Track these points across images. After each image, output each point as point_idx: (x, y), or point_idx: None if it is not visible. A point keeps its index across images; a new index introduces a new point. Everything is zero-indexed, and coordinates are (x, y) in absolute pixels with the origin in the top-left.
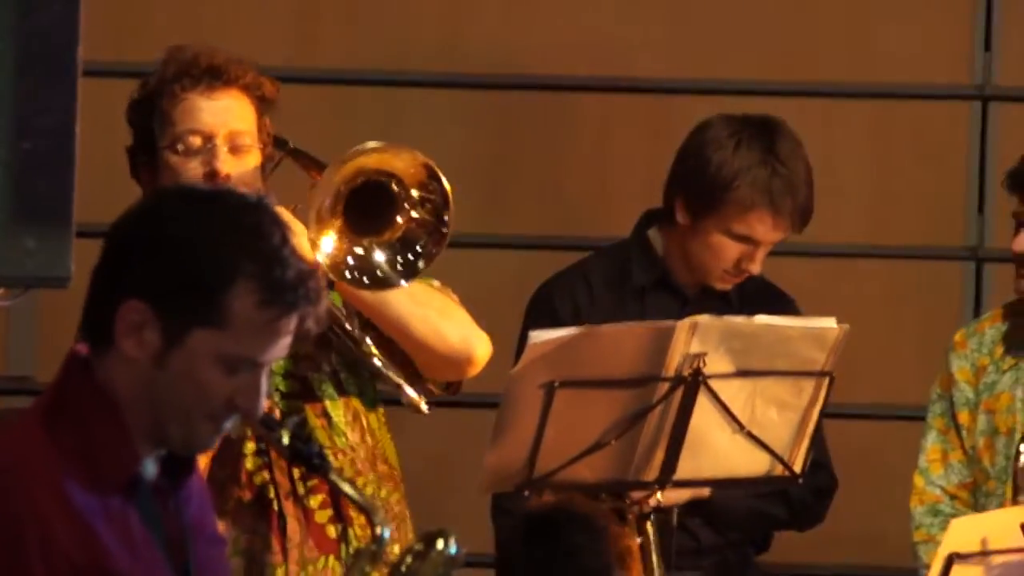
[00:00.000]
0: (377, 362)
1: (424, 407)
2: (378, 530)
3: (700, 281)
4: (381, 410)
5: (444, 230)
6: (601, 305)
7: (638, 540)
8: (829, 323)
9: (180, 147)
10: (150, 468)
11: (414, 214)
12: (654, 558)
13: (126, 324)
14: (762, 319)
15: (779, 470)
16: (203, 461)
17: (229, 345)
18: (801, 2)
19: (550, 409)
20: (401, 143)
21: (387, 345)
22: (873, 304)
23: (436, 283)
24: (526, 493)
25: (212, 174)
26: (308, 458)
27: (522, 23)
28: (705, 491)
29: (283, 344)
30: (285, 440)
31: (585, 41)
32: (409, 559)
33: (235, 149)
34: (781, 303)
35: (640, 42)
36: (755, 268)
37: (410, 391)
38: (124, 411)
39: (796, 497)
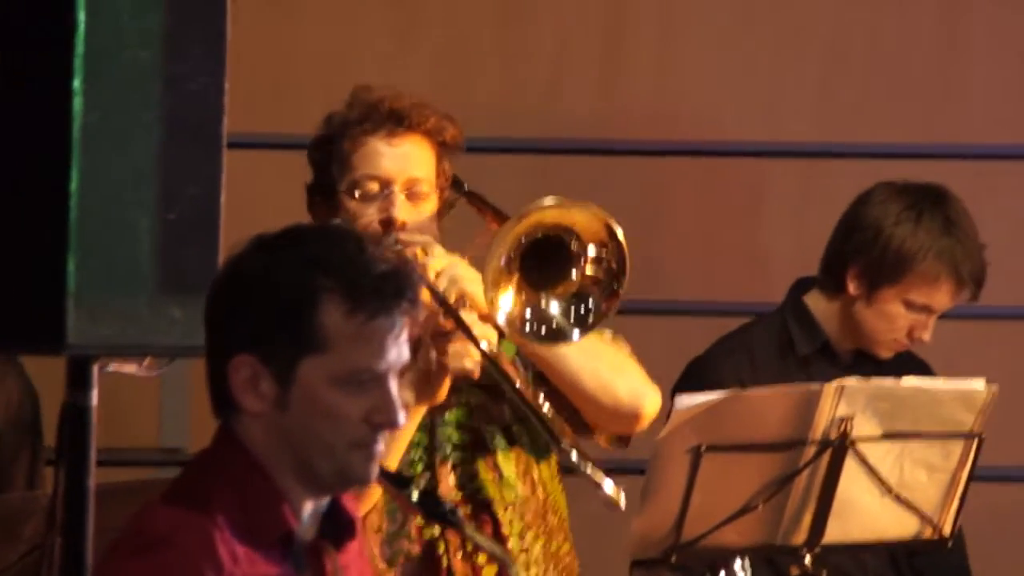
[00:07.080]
0: (575, 456)
1: (623, 503)
2: None
3: (861, 348)
4: (553, 459)
5: (617, 288)
6: (765, 374)
7: None
8: (978, 384)
9: (358, 192)
10: (306, 525)
11: (589, 271)
12: None
13: (240, 381)
14: (910, 381)
15: (928, 533)
16: (373, 516)
17: (337, 364)
18: (949, 65)
19: (697, 473)
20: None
21: (557, 397)
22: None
23: (608, 334)
24: (673, 559)
25: (388, 221)
26: (441, 515)
27: (673, 90)
28: None
29: (392, 347)
30: (415, 497)
31: (736, 107)
32: None
33: (412, 196)
34: (919, 368)
35: (790, 106)
36: (927, 336)
37: (608, 488)
38: (268, 467)
39: None
